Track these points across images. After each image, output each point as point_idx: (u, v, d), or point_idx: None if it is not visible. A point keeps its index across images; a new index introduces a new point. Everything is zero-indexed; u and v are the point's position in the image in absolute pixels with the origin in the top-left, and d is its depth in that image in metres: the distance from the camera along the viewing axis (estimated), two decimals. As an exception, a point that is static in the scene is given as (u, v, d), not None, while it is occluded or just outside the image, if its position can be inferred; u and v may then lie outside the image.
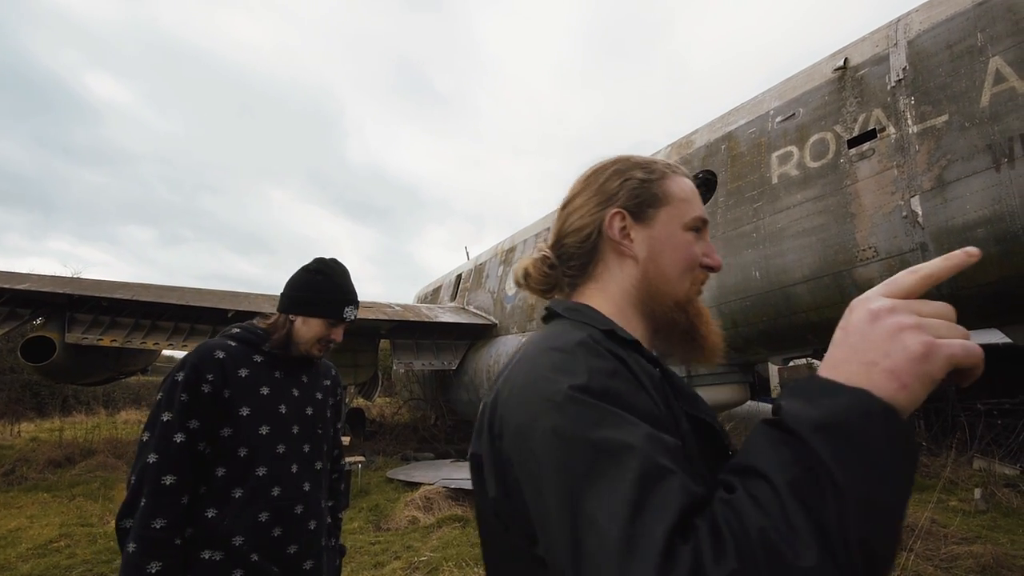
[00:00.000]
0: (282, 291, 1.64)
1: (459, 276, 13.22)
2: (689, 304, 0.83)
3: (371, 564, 4.30)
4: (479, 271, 11.89)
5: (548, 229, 8.10)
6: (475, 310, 11.24)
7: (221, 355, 1.45)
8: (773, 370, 14.48)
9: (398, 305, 10.57)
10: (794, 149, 4.93)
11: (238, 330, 1.58)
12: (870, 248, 4.15)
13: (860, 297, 0.55)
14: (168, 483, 1.29)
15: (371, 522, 5.48)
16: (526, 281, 0.91)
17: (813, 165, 4.70)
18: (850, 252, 4.29)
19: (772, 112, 5.30)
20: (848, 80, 4.47)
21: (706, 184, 6.15)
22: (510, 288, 9.86)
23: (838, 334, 0.55)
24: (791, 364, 12.89)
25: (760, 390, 14.22)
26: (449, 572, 3.63)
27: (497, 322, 10.01)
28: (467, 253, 14.23)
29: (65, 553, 4.69)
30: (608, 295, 0.83)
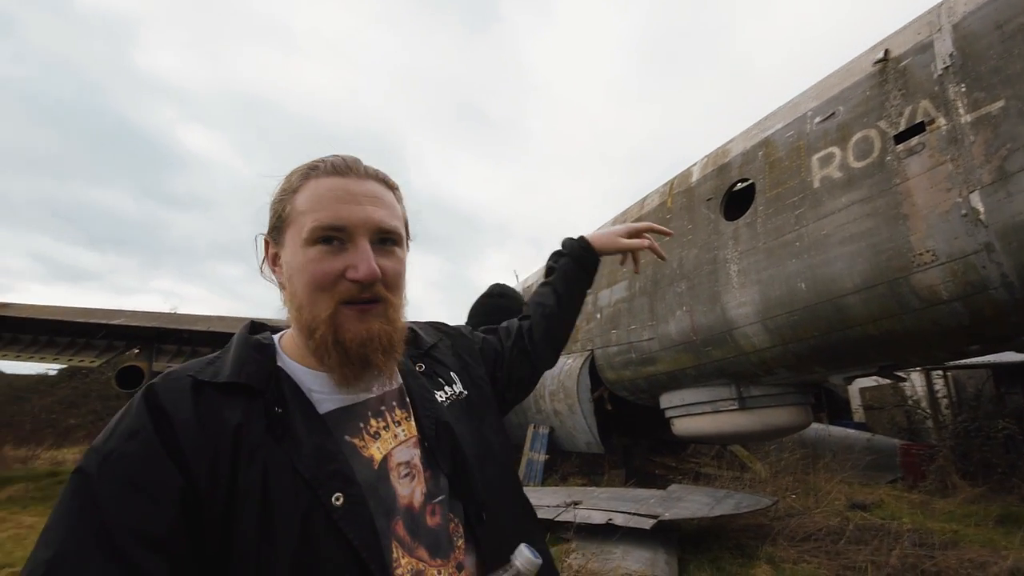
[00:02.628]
0: (468, 322, 1.73)
1: (509, 299, 13.35)
2: (331, 324, 0.75)
3: None
4: (526, 294, 11.95)
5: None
6: (523, 332, 11.26)
7: None
8: (854, 391, 13.16)
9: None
10: (835, 150, 4.59)
11: None
12: (928, 252, 3.73)
13: None
14: None
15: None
16: None
17: (857, 165, 4.34)
18: (905, 257, 3.88)
19: (810, 113, 4.99)
20: (890, 73, 4.12)
21: (744, 194, 5.85)
22: (555, 309, 9.81)
23: None
24: (875, 385, 11.64)
25: (839, 412, 12.96)
26: None
27: (544, 344, 9.95)
28: (516, 276, 14.37)
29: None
30: (293, 323, 0.81)
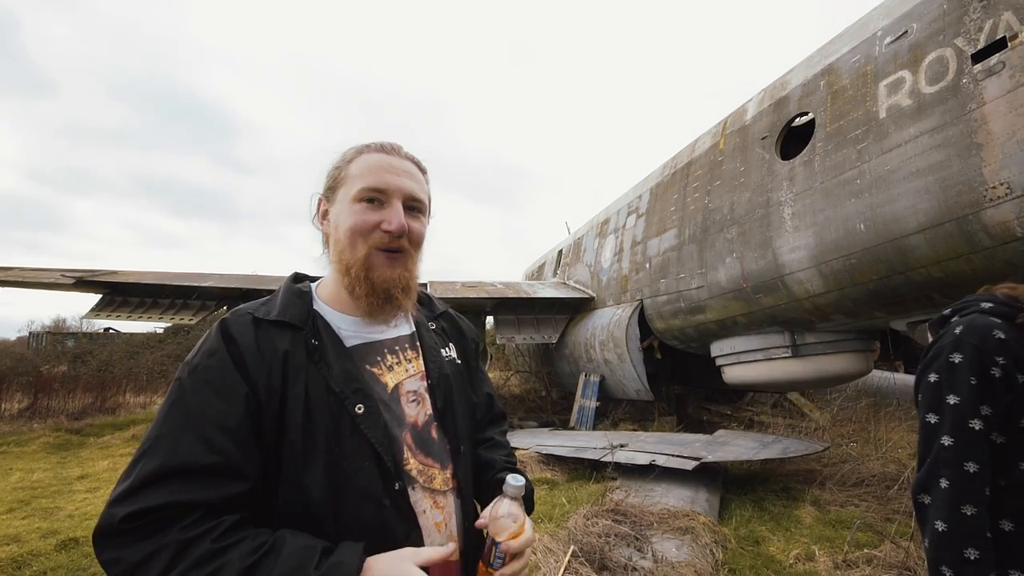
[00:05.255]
0: None
1: (560, 251, 13.36)
2: (364, 264, 0.96)
3: (462, 515, 4.82)
4: (577, 245, 11.91)
5: (639, 198, 7.83)
6: (575, 284, 11.34)
7: (1001, 335, 1.23)
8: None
9: (500, 283, 11.10)
10: (906, 74, 4.16)
11: (990, 304, 1.33)
12: (1002, 184, 3.40)
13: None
14: (971, 471, 1.18)
15: (469, 480, 6.06)
16: None
17: (929, 90, 3.94)
18: (976, 192, 3.56)
19: (880, 33, 4.51)
20: (971, -21, 3.63)
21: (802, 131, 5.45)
22: (605, 260, 9.77)
23: None
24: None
25: (915, 360, 12.14)
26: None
27: (594, 295, 10.01)
28: (568, 228, 14.28)
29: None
30: (331, 268, 1.02)
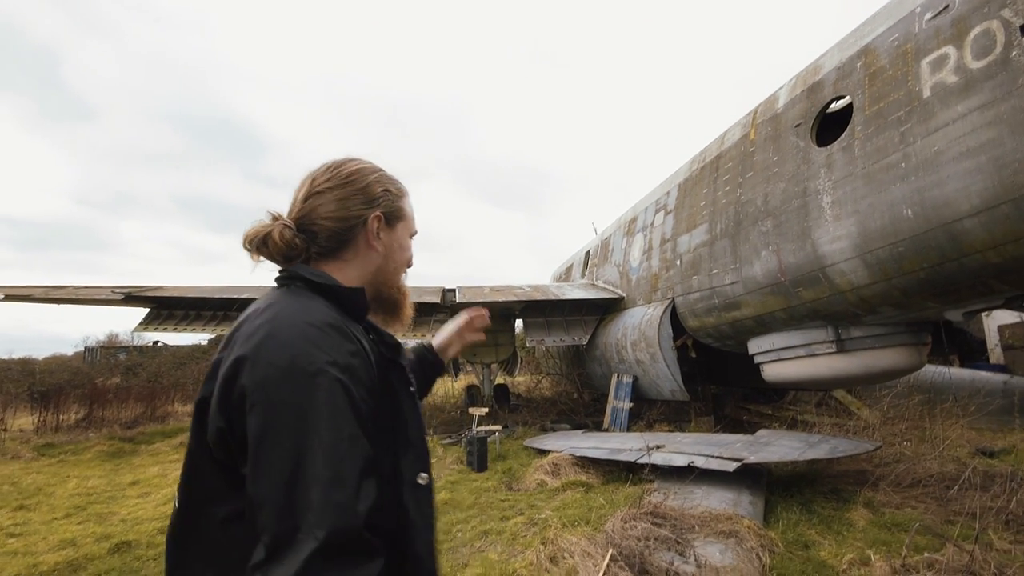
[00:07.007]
0: None
1: (587, 252, 13.24)
2: (402, 287, 1.17)
3: (498, 518, 4.77)
4: (605, 245, 11.78)
5: (667, 194, 7.66)
6: (604, 284, 11.20)
7: None
8: (991, 328, 11.49)
9: (528, 286, 11.08)
10: (950, 50, 3.94)
11: None
12: (1065, 160, 3.17)
13: None
14: None
15: (504, 483, 6.02)
16: (261, 247, 0.98)
17: (976, 65, 3.71)
18: (1035, 169, 3.33)
19: (919, 9, 4.29)
20: (1020, -56, 3.40)
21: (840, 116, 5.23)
22: (634, 259, 9.61)
23: None
24: (1018, 321, 10.10)
25: (971, 353, 11.43)
26: (554, 528, 3.90)
27: (624, 294, 9.86)
28: (594, 229, 14.14)
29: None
30: (346, 274, 1.05)
